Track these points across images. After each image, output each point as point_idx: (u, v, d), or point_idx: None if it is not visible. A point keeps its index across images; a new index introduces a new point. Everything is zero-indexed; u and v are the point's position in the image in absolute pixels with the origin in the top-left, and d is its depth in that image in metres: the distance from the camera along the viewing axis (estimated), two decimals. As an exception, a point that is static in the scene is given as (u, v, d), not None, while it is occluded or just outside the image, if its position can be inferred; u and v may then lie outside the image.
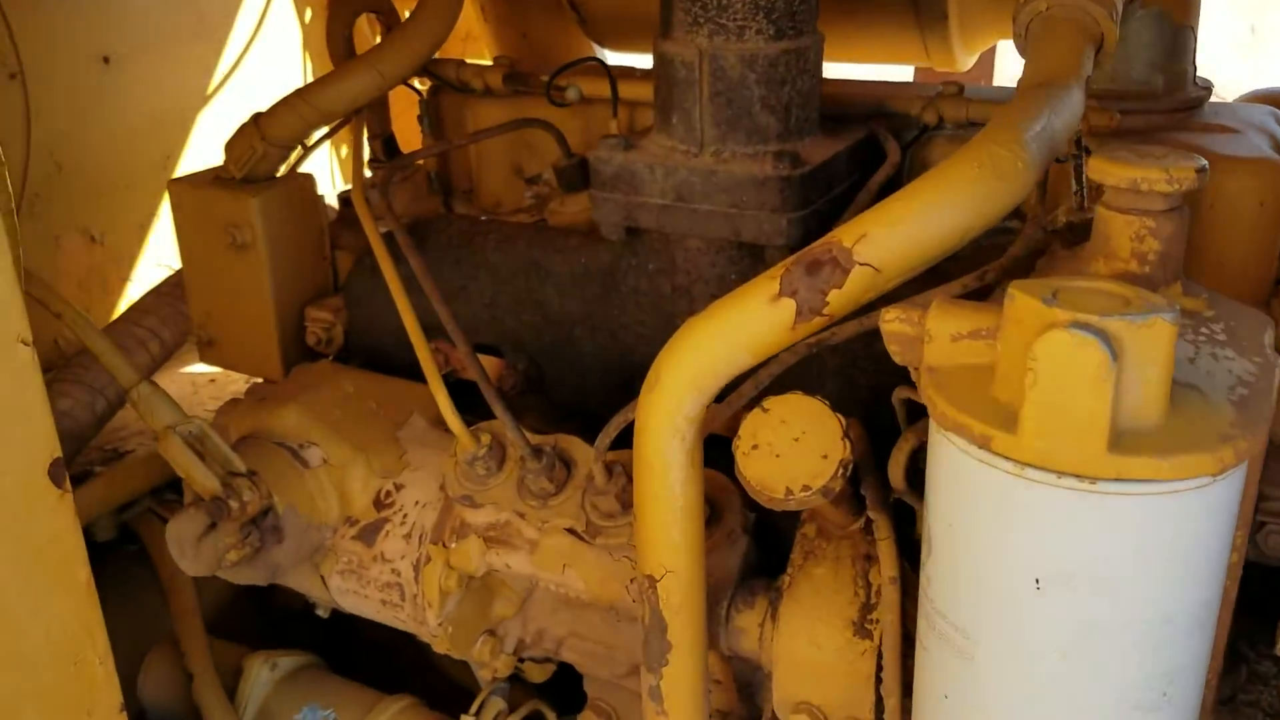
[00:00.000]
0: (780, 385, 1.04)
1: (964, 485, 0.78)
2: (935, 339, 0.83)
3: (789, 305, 0.91)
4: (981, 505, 0.77)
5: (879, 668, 1.03)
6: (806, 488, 0.91)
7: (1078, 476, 0.71)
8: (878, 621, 1.04)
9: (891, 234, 0.89)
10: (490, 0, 2.11)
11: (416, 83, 1.94)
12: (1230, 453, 0.71)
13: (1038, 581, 0.75)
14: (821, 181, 1.23)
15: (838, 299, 0.90)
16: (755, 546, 1.19)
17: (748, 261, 1.31)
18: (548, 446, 1.27)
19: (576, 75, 1.71)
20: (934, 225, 0.88)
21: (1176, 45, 1.40)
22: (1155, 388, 0.71)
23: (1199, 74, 1.46)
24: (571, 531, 1.25)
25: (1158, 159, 0.85)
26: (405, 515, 1.41)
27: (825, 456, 0.92)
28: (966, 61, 1.82)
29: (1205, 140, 1.35)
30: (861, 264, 0.89)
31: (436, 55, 1.61)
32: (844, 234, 0.91)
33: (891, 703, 1.00)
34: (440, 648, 1.40)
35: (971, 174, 0.89)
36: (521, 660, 1.49)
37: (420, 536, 1.39)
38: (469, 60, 1.94)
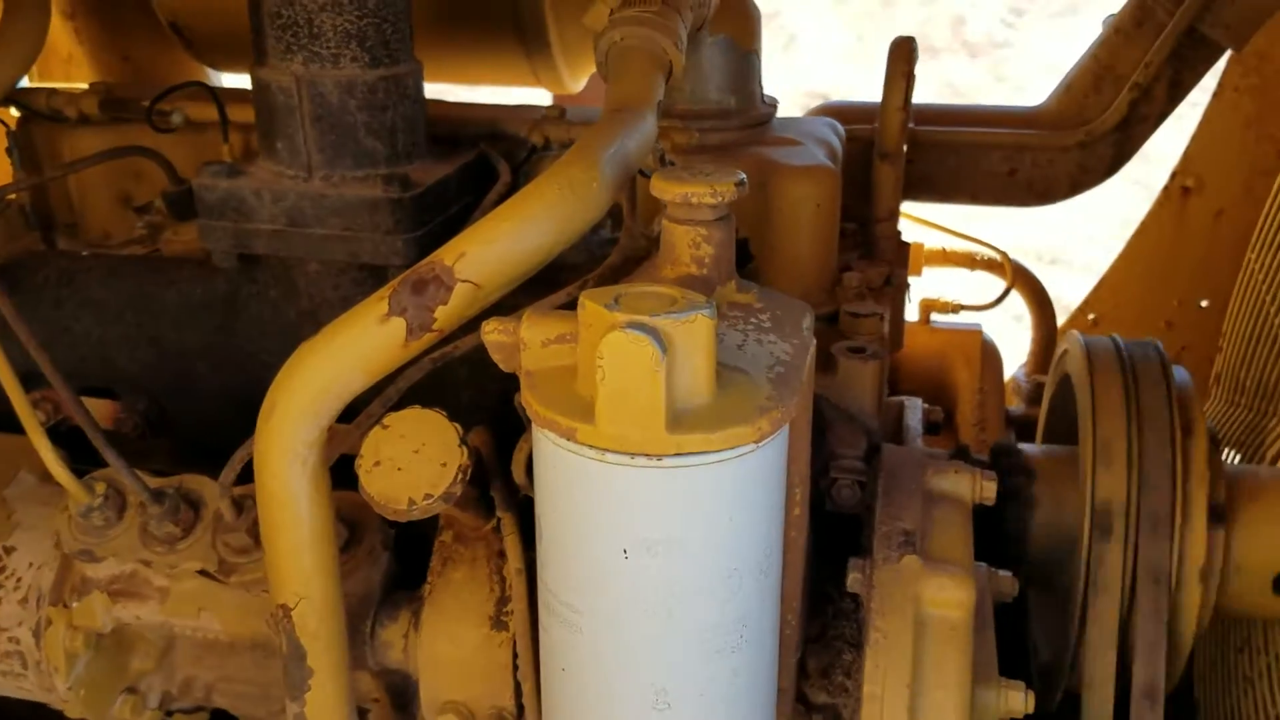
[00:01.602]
0: (414, 400, 1.08)
1: (559, 473, 0.86)
2: (529, 346, 0.90)
3: (399, 324, 0.96)
4: (574, 489, 0.85)
5: (516, 656, 1.10)
6: (429, 496, 0.96)
7: (647, 455, 0.81)
8: (512, 613, 1.11)
9: (487, 252, 0.96)
10: (85, 23, 1.98)
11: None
12: (767, 422, 0.84)
13: (625, 551, 0.84)
14: (434, 202, 1.29)
15: (445, 315, 0.96)
16: (397, 561, 1.22)
17: (372, 283, 1.33)
18: (170, 489, 1.22)
19: (186, 99, 1.65)
20: (525, 243, 0.96)
21: (744, 69, 1.59)
22: (702, 373, 0.83)
23: (765, 92, 1.66)
24: (204, 573, 1.21)
25: (705, 176, 0.98)
26: (19, 579, 1.31)
27: (445, 464, 0.97)
28: (575, 84, 1.95)
29: (772, 152, 1.55)
30: (463, 281, 0.95)
31: (28, 83, 1.49)
32: (445, 253, 0.97)
33: (528, 686, 1.07)
34: (74, 713, 1.31)
35: (554, 196, 0.98)
36: (170, 714, 1.42)
37: (38, 599, 1.29)
38: (64, 86, 1.80)
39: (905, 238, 2.16)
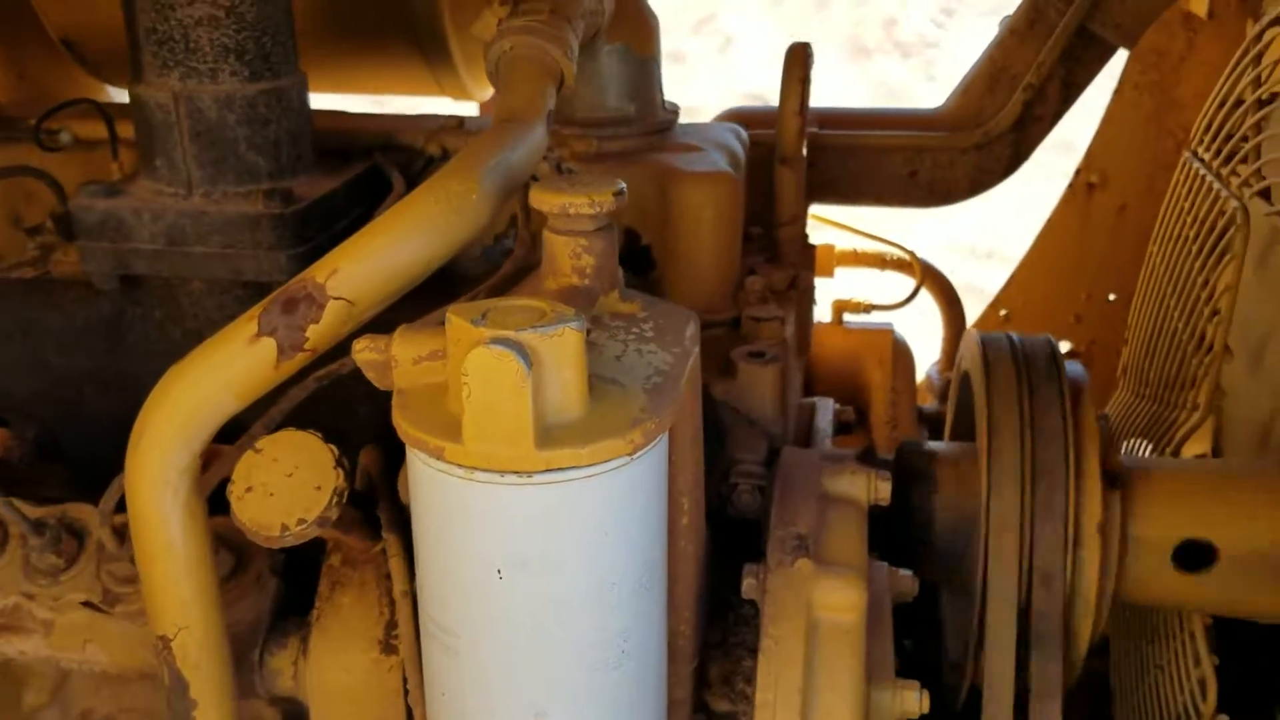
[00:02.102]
0: (308, 419, 1.06)
1: (431, 494, 0.85)
2: (401, 363, 0.89)
3: (269, 345, 0.94)
4: (446, 510, 0.84)
5: (406, 680, 1.08)
6: (302, 521, 0.94)
7: (517, 473, 0.80)
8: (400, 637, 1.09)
9: (360, 268, 0.94)
10: (-23, 41, 1.92)
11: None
12: (639, 434, 0.84)
13: (500, 571, 0.83)
14: (320, 217, 1.26)
15: (317, 334, 0.94)
16: (289, 586, 1.20)
17: (257, 301, 1.30)
18: (52, 519, 1.19)
19: (75, 117, 1.60)
20: (399, 257, 0.95)
21: (643, 76, 1.59)
22: (573, 386, 0.82)
23: (667, 99, 1.67)
24: (89, 604, 1.18)
25: (584, 186, 0.97)
26: (-100, 618, 1.25)
27: (319, 488, 0.95)
28: (481, 93, 1.94)
29: (672, 159, 1.55)
30: (335, 298, 0.94)
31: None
32: (317, 270, 0.95)
33: (418, 712, 1.06)
34: (-32, 753, 1.27)
35: (430, 208, 0.96)
36: (70, 749, 1.37)
37: (-81, 638, 1.24)
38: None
39: (818, 240, 2.18)
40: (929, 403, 2.32)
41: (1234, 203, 1.66)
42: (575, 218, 0.96)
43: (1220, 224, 1.71)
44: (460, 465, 0.80)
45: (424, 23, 1.68)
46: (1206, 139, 1.77)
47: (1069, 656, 1.38)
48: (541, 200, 0.95)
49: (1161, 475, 1.45)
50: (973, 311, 2.58)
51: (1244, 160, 1.64)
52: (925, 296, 2.39)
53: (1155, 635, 1.90)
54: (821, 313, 2.32)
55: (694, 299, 1.54)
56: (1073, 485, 1.36)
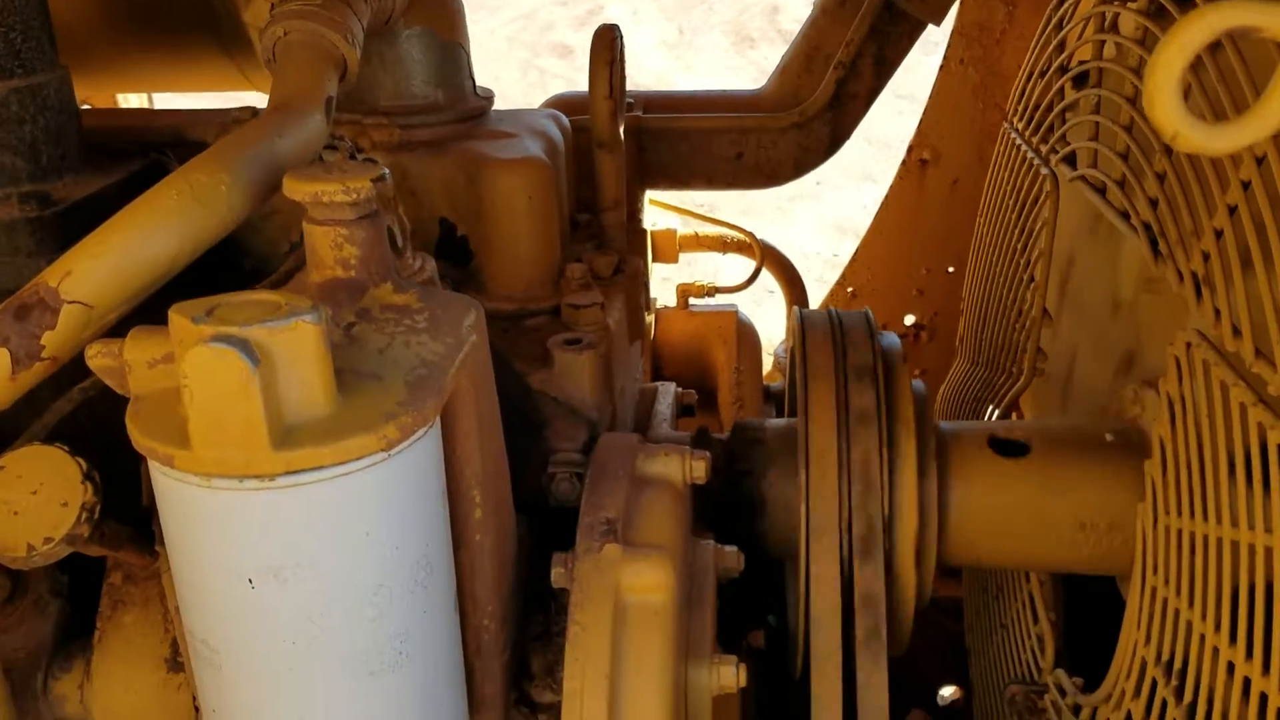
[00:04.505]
0: (80, 435, 0.99)
1: (171, 505, 0.80)
2: (135, 368, 0.84)
3: (2, 356, 0.88)
4: (187, 520, 0.79)
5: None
6: (49, 540, 0.88)
7: (256, 478, 0.76)
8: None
9: (96, 268, 0.89)
10: None
11: None
12: (395, 429, 0.81)
13: (251, 581, 0.79)
14: (86, 219, 1.18)
15: (55, 340, 0.88)
16: (73, 609, 1.13)
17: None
18: None
19: None
20: (139, 254, 0.90)
21: (448, 61, 1.55)
22: (315, 383, 0.78)
23: (480, 85, 1.63)
24: None
25: (340, 173, 0.94)
26: None
27: (66, 504, 0.89)
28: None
29: (482, 146, 1.51)
30: (71, 302, 0.88)
31: None
32: (50, 274, 0.89)
33: (205, 729, 1.01)
34: None
35: (171, 202, 0.91)
36: None
37: None
38: None
39: (661, 226, 2.17)
40: (778, 380, 2.34)
41: (1045, 170, 1.71)
42: (332, 206, 0.92)
43: (1034, 192, 1.76)
44: (194, 473, 0.76)
45: (220, 12, 1.61)
46: (1020, 109, 1.82)
47: (896, 619, 1.41)
48: (294, 189, 0.91)
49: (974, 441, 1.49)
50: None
51: (1050, 128, 1.69)
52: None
53: (1000, 594, 1.96)
54: (668, 298, 2.33)
55: (514, 288, 1.52)
56: (885, 454, 1.37)
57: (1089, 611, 1.65)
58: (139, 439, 0.78)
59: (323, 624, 0.81)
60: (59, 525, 0.88)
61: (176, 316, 0.76)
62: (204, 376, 0.73)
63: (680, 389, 1.88)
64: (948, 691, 2.51)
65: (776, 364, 2.45)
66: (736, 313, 2.20)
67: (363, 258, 0.95)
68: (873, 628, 1.34)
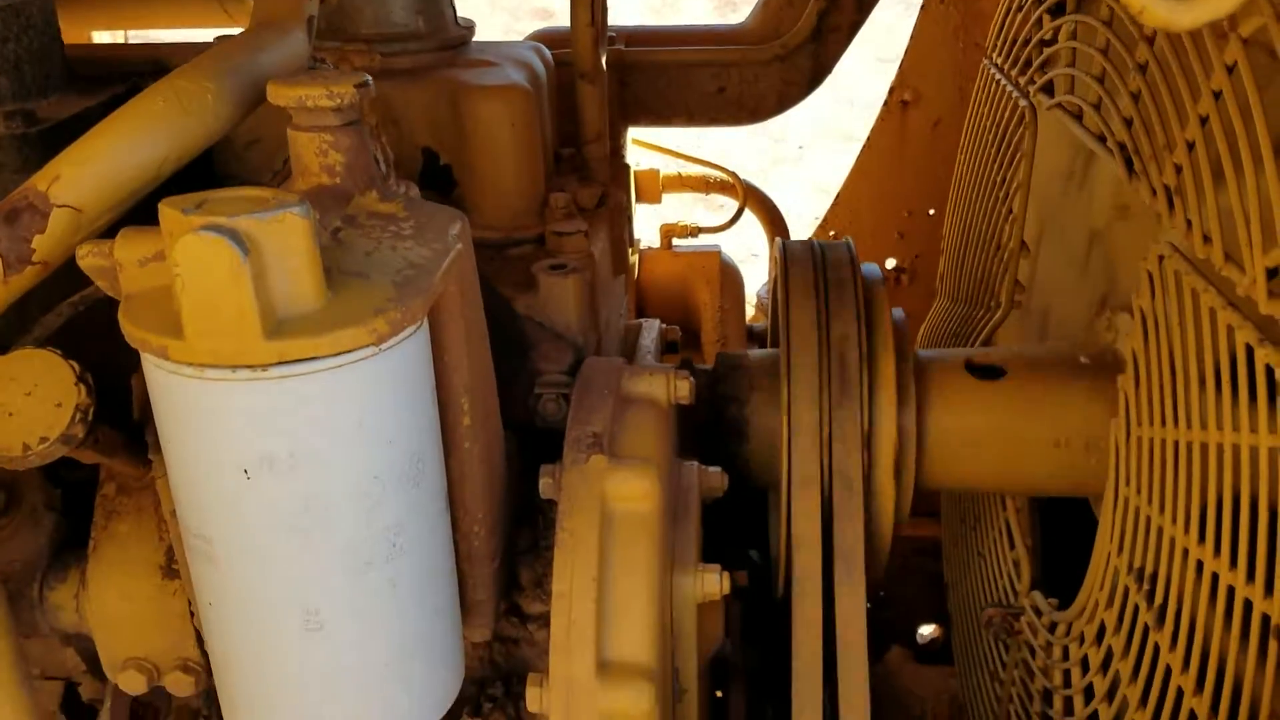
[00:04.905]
0: (72, 349, 1.00)
1: (164, 398, 0.82)
2: (126, 267, 0.85)
3: (-7, 260, 0.88)
4: (181, 412, 0.81)
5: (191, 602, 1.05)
6: (44, 439, 0.90)
7: (249, 367, 0.78)
8: (180, 559, 1.06)
9: (85, 172, 0.89)
10: None
11: None
12: (384, 323, 0.82)
13: (246, 471, 0.81)
14: (71, 138, 1.18)
15: (44, 244, 0.89)
16: (70, 523, 1.15)
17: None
18: None
19: None
20: (127, 159, 0.90)
21: (429, -12, 1.55)
22: (304, 276, 0.80)
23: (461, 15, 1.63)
24: None
25: (323, 79, 0.94)
26: None
27: (60, 405, 0.91)
28: (276, 21, 1.86)
29: (463, 74, 1.51)
30: (60, 206, 0.89)
31: None
32: (39, 178, 0.90)
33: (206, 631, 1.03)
34: None
35: (157, 108, 0.92)
36: None
37: None
38: None
39: (646, 165, 2.17)
40: (761, 322, 2.36)
41: (1023, 102, 1.72)
42: (315, 111, 0.93)
43: (1012, 123, 1.78)
44: (188, 364, 0.78)
45: (199, -57, 1.60)
46: (999, 44, 1.83)
47: (874, 536, 1.44)
48: (278, 94, 0.92)
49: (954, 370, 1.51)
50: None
51: (1029, 61, 1.70)
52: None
53: (977, 523, 1.99)
54: (652, 239, 2.34)
55: (498, 216, 1.53)
56: (865, 375, 1.40)
57: (1063, 542, 1.69)
58: (132, 332, 0.79)
59: (319, 514, 0.83)
60: (54, 425, 0.90)
61: (166, 209, 0.77)
62: (195, 265, 0.74)
63: (664, 325, 1.90)
64: (927, 630, 2.56)
65: (759, 306, 2.47)
66: (720, 252, 2.21)
67: (348, 164, 0.96)
68: (852, 545, 1.37)
